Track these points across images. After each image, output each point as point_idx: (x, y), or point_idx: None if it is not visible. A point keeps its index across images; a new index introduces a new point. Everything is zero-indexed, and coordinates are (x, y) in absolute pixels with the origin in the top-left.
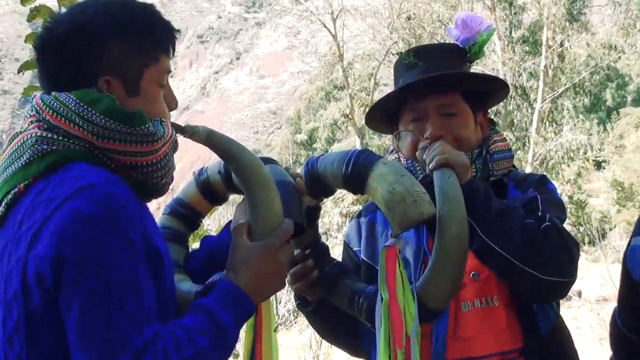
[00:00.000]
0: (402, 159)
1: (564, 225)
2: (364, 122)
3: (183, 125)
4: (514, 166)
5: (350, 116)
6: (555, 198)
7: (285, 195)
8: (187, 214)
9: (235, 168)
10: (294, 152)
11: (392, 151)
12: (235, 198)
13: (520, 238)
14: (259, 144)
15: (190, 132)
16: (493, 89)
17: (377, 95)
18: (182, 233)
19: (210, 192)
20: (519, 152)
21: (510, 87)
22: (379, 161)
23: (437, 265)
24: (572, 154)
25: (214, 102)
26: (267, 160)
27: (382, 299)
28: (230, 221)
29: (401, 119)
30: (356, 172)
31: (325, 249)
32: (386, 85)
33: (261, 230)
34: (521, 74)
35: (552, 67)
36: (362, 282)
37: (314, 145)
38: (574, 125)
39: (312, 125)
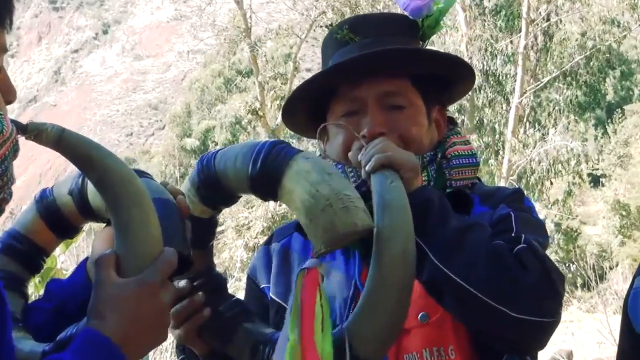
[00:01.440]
0: (331, 162)
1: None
2: (279, 120)
3: (26, 122)
4: (478, 179)
5: (260, 112)
6: (533, 217)
7: (165, 217)
8: (24, 251)
9: (98, 180)
10: (181, 163)
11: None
12: (94, 227)
13: (487, 264)
14: (133, 150)
15: (35, 132)
16: (455, 76)
17: (298, 84)
18: (18, 277)
19: (58, 220)
20: (490, 161)
21: (479, 74)
22: (298, 155)
23: (371, 299)
24: (560, 166)
25: (72, 92)
26: (139, 174)
27: (287, 339)
28: (87, 258)
29: (331, 113)
30: (267, 169)
31: (220, 282)
32: (310, 70)
33: (134, 263)
34: (494, 58)
35: (535, 48)
36: (269, 328)
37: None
38: (564, 127)
39: (207, 124)
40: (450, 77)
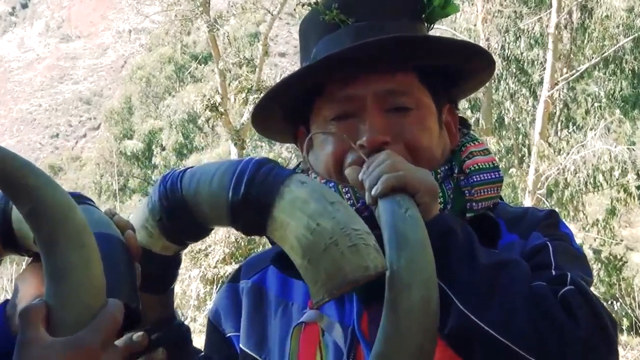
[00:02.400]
0: (319, 179)
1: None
2: (245, 117)
3: None
4: (501, 198)
5: (220, 108)
6: (573, 247)
7: (110, 260)
8: None
9: (30, 213)
10: (120, 172)
11: (295, 168)
12: (16, 259)
13: (528, 311)
14: (60, 155)
15: None
16: (471, 67)
17: (270, 73)
18: None
19: None
20: (511, 171)
21: (498, 60)
22: (290, 178)
23: (384, 358)
24: (601, 177)
25: None
26: (77, 199)
27: None
28: (7, 301)
29: (316, 114)
30: (253, 196)
31: (184, 334)
32: (284, 55)
33: (70, 318)
34: (517, 39)
35: (569, 27)
36: None
37: (155, 160)
38: (606, 127)
39: (153, 123)
40: (467, 68)
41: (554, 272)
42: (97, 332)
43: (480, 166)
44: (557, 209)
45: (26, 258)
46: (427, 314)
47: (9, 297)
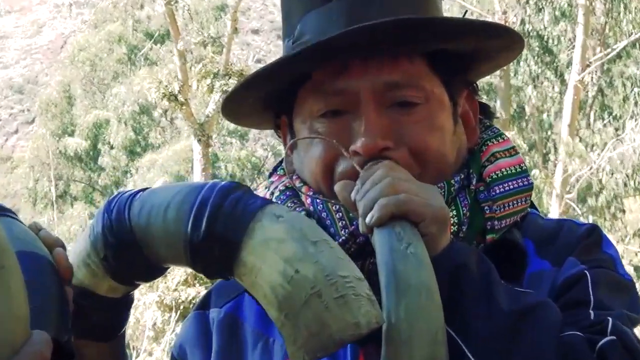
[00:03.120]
0: (303, 193)
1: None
2: (210, 109)
3: None
4: (532, 204)
5: (180, 97)
6: (619, 274)
7: (35, 284)
8: None
9: None
10: (59, 176)
11: (271, 174)
12: None
13: None
14: None
15: None
16: (492, 48)
17: (240, 54)
18: None
19: None
20: (534, 172)
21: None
22: (264, 211)
23: None
24: None
25: None
26: None
27: None
28: None
29: (300, 107)
30: (217, 233)
31: None
32: (258, 32)
33: None
34: (539, 12)
35: None
36: None
37: (101, 160)
38: None
39: (98, 116)
40: (484, 48)
41: (592, 315)
42: None
43: (505, 172)
44: (590, 217)
45: None
46: None
47: None
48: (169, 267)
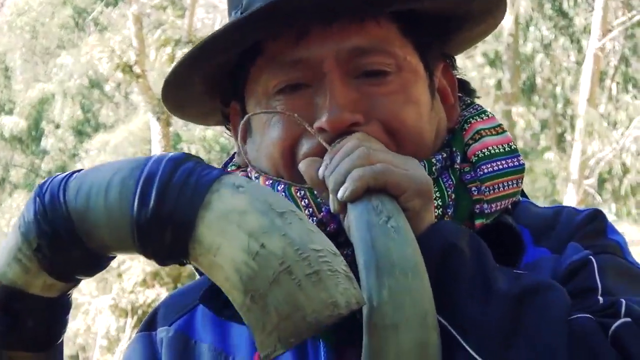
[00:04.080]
0: (262, 179)
1: None
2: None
3: None
4: (523, 192)
5: (136, 69)
6: (627, 260)
7: None
8: None
9: None
10: None
11: (227, 163)
12: None
13: (568, 357)
14: None
15: None
16: (471, 11)
17: (206, 18)
18: None
19: None
20: (547, 154)
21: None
22: (221, 181)
23: None
24: None
25: None
26: None
27: None
28: None
29: (252, 86)
30: (167, 209)
31: None
32: None
33: None
34: None
35: None
36: None
37: (45, 142)
38: None
39: (42, 90)
40: (461, 11)
41: (601, 299)
42: None
43: (492, 151)
44: (613, 206)
45: None
46: None
47: None
48: (113, 257)
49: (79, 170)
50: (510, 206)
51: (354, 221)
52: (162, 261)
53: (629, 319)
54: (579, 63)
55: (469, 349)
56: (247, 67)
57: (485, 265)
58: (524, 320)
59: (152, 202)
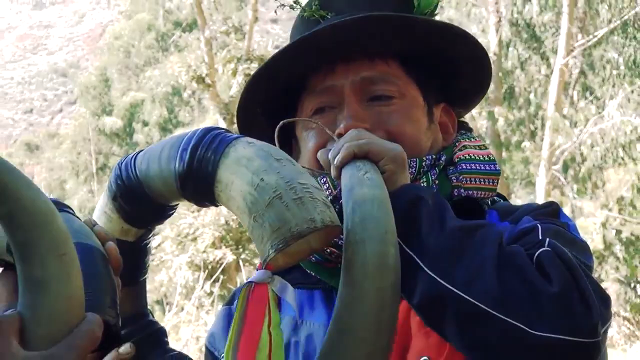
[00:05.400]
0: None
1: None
2: (234, 90)
3: None
4: (502, 197)
5: (207, 80)
6: (572, 234)
7: (89, 272)
8: None
9: (6, 217)
10: (99, 150)
11: None
12: None
13: (498, 269)
14: (35, 132)
15: None
16: (461, 57)
17: (261, 41)
18: None
19: None
20: (524, 144)
21: (508, 24)
22: (237, 140)
23: (340, 323)
24: (622, 151)
25: None
26: (56, 206)
27: None
28: None
29: (300, 112)
30: (198, 162)
31: (157, 332)
32: (276, 21)
33: (45, 332)
34: (527, 1)
35: None
36: None
37: (136, 137)
38: (626, 97)
39: (134, 97)
40: (455, 63)
41: (536, 240)
42: (73, 348)
43: (472, 157)
44: (574, 186)
45: None
46: (383, 269)
47: None
48: (172, 208)
49: (145, 149)
50: (487, 198)
51: (342, 178)
52: (198, 204)
53: (549, 248)
54: (548, 76)
55: (426, 269)
56: (295, 103)
57: (444, 212)
58: (466, 247)
59: (187, 157)
